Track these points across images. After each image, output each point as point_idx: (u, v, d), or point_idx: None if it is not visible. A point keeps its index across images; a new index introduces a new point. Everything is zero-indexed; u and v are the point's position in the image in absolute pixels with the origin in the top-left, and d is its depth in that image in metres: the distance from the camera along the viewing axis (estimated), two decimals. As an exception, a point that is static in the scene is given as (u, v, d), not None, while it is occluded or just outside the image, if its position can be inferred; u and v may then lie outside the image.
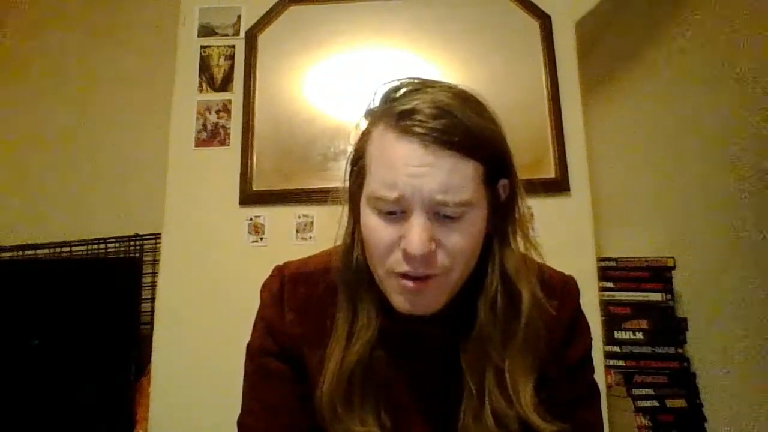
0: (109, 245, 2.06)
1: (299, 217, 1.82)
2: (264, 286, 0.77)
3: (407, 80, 0.66)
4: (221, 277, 1.74)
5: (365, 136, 0.66)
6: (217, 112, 1.93)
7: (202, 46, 1.99)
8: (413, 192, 0.59)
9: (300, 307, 0.73)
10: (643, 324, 1.73)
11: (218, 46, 1.99)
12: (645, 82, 2.21)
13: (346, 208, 0.72)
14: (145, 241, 2.05)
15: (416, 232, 0.58)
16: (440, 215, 0.60)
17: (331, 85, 1.93)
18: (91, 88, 2.29)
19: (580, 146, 1.81)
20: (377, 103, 0.67)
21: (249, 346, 0.76)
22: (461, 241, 0.61)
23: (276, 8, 1.99)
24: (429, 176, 0.58)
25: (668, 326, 1.73)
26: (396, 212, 0.61)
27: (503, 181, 0.66)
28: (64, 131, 2.27)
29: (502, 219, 0.67)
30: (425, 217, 0.59)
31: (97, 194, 2.19)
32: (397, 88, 0.65)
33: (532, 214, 0.71)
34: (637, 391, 1.67)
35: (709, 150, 2.11)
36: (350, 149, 0.70)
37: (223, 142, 1.90)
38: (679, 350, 1.72)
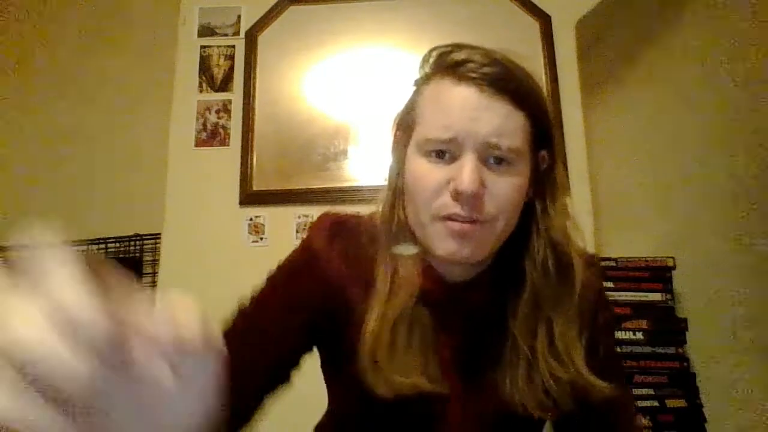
0: (109, 245, 2.06)
1: (299, 216, 1.82)
2: (312, 226, 0.74)
3: (455, 43, 0.66)
4: (221, 277, 1.74)
5: (416, 92, 0.67)
6: (217, 112, 1.93)
7: (202, 46, 1.99)
8: (468, 133, 0.60)
9: (349, 251, 0.70)
10: (643, 324, 1.72)
11: (218, 46, 1.99)
12: (645, 82, 2.21)
13: (389, 169, 0.71)
14: (145, 241, 2.05)
15: (467, 170, 0.59)
16: (490, 160, 0.61)
17: (332, 84, 1.93)
18: (91, 87, 2.29)
19: (580, 146, 1.81)
20: (428, 64, 0.68)
21: (282, 265, 0.73)
22: (508, 189, 0.62)
23: (276, 8, 1.99)
24: (484, 119, 0.60)
25: (668, 326, 1.73)
26: (445, 154, 0.62)
27: (544, 152, 0.67)
28: (64, 130, 2.27)
29: (542, 187, 0.67)
30: (476, 158, 0.60)
31: (97, 193, 2.19)
32: (446, 48, 0.66)
33: (569, 188, 0.72)
34: (637, 391, 1.67)
35: (710, 150, 2.11)
36: (398, 109, 0.70)
37: (223, 142, 1.91)
38: (679, 350, 1.72)
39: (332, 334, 0.70)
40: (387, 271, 0.67)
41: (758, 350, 1.93)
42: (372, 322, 0.64)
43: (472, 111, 0.60)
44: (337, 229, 0.72)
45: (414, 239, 0.67)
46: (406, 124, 0.68)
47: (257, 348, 0.66)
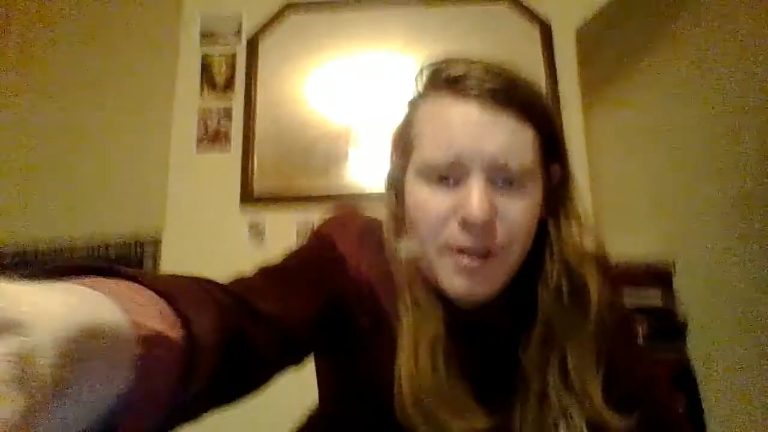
0: (110, 249, 2.05)
1: (300, 221, 1.83)
2: (335, 224, 0.67)
3: (449, 58, 0.61)
4: (222, 278, 1.74)
5: (412, 110, 0.62)
6: (219, 117, 1.94)
7: (204, 53, 2.01)
8: (472, 153, 0.54)
9: (378, 260, 0.63)
10: (643, 325, 1.74)
11: (219, 55, 2.00)
12: (645, 84, 2.23)
13: (388, 199, 0.64)
14: (146, 246, 2.04)
15: (476, 195, 0.53)
16: (498, 182, 0.55)
17: (332, 89, 1.94)
18: (93, 91, 2.29)
19: (581, 150, 1.83)
20: (422, 81, 0.62)
21: (302, 251, 0.65)
22: (520, 212, 0.56)
23: (277, 16, 2.01)
24: (489, 137, 0.54)
25: (668, 327, 1.74)
26: (449, 179, 0.56)
27: (555, 165, 0.62)
28: (65, 133, 2.27)
29: (555, 205, 0.62)
30: (485, 180, 0.54)
31: (97, 196, 2.19)
32: (440, 63, 0.61)
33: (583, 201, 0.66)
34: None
35: (711, 151, 2.12)
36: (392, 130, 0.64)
37: (225, 147, 1.92)
38: (680, 351, 1.73)
39: (354, 342, 0.63)
40: (407, 302, 0.60)
41: (759, 351, 1.94)
42: (405, 361, 0.57)
43: (475, 129, 0.55)
44: (362, 230, 0.66)
45: (423, 276, 0.60)
46: (403, 146, 0.62)
47: (288, 300, 0.56)
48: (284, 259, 0.63)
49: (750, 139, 2.04)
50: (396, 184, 0.63)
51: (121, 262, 2.07)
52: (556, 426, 0.60)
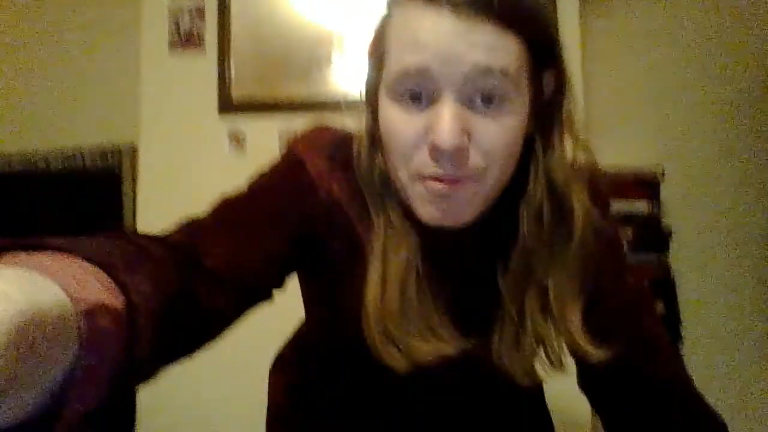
0: (86, 160, 1.99)
1: (283, 129, 1.76)
2: (303, 141, 0.63)
3: None
4: (203, 189, 1.69)
5: (384, 22, 0.56)
6: (191, 16, 1.81)
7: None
8: (443, 66, 0.48)
9: (348, 178, 0.60)
10: (628, 232, 1.74)
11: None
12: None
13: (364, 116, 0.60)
14: (123, 156, 1.98)
15: (446, 120, 0.48)
16: (477, 101, 0.50)
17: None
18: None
19: (576, 53, 1.74)
20: None
21: (267, 175, 0.62)
22: (499, 135, 0.50)
23: None
24: (463, 49, 0.48)
25: (652, 235, 1.75)
26: (421, 96, 0.50)
27: (549, 72, 0.55)
28: (29, 39, 2.13)
29: (546, 117, 0.56)
30: (457, 100, 0.49)
31: (68, 107, 2.09)
32: None
33: (580, 112, 0.59)
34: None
35: (703, 58, 2.06)
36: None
37: (199, 50, 1.80)
38: (662, 258, 1.75)
39: (328, 267, 0.62)
40: (379, 225, 0.58)
41: (740, 261, 1.98)
42: (373, 286, 0.56)
43: (447, 40, 0.48)
44: (334, 148, 0.62)
45: (398, 190, 0.57)
46: (375, 61, 0.56)
47: (242, 245, 0.54)
48: (250, 187, 0.60)
49: (742, 47, 1.96)
50: (371, 100, 0.58)
51: (98, 173, 2.01)
52: (533, 353, 0.58)
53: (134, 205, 1.86)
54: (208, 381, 1.65)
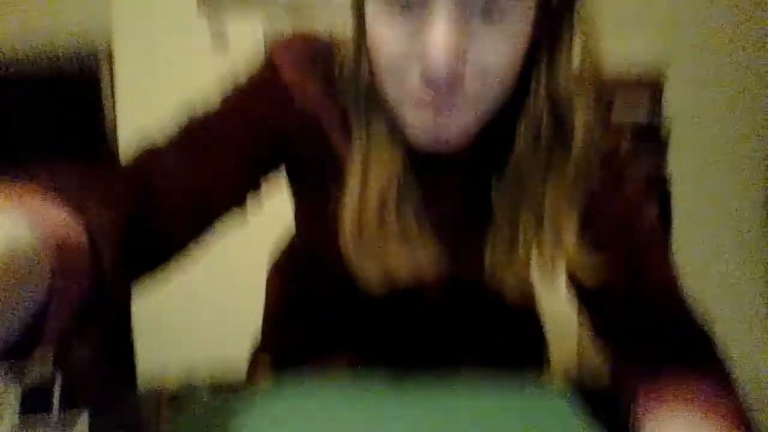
0: (61, 63, 1.88)
1: (267, 27, 1.66)
2: (278, 48, 0.59)
3: None
4: (185, 91, 1.63)
5: None
6: None
7: None
8: None
9: (326, 85, 0.57)
10: (627, 136, 1.71)
11: None
12: None
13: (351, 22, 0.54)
14: (99, 56, 1.87)
15: (438, 40, 0.42)
16: (475, 10, 0.43)
17: None
18: None
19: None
20: None
21: (241, 83, 0.59)
22: (500, 52, 0.45)
23: None
24: None
25: (651, 142, 1.72)
26: (412, 5, 0.44)
27: None
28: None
29: (554, 22, 0.49)
30: (451, 10, 0.42)
31: (43, 7, 1.95)
32: None
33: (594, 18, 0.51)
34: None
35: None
36: None
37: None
38: (659, 166, 1.73)
39: (306, 183, 0.61)
40: (361, 136, 0.55)
41: (735, 164, 1.97)
42: (351, 196, 0.53)
43: None
44: (313, 57, 0.57)
45: (386, 104, 0.52)
46: None
47: (210, 156, 0.53)
48: (220, 100, 0.57)
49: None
50: (358, 5, 0.51)
51: (73, 76, 1.91)
52: (527, 264, 0.56)
53: (114, 110, 1.78)
54: (205, 286, 1.65)
